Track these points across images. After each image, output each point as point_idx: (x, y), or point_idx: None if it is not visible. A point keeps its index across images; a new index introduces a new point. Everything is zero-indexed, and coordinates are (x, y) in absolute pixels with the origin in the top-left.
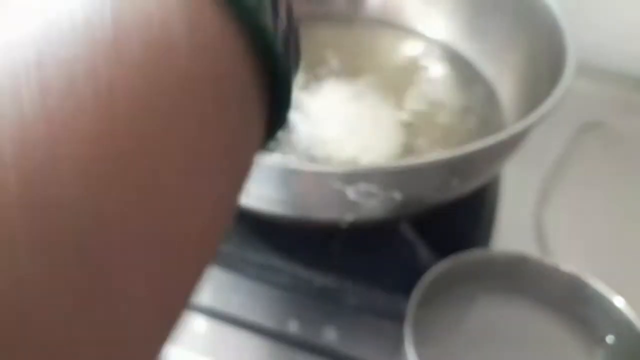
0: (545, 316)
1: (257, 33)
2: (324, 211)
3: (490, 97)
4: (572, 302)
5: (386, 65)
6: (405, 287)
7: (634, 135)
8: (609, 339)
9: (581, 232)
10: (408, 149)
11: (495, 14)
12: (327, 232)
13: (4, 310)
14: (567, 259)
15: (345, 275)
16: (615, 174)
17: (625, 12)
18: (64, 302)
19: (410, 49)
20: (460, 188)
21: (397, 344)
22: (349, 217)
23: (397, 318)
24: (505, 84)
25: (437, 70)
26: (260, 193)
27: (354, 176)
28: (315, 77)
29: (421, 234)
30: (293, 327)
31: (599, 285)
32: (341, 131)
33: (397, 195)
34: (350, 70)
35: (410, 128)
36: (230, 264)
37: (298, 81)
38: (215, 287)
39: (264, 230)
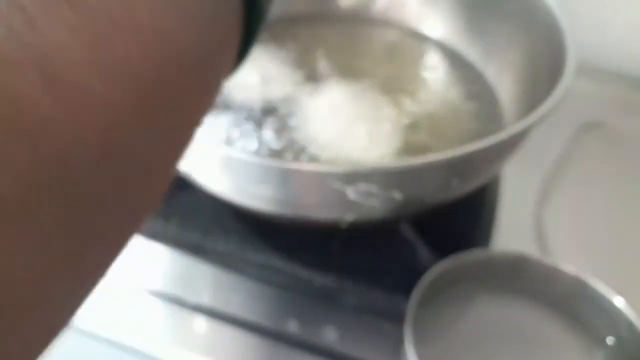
0: (545, 316)
1: None
2: (324, 211)
3: (490, 97)
4: (572, 302)
5: (386, 65)
6: (405, 287)
7: (634, 135)
8: (609, 339)
9: (581, 232)
10: (408, 149)
11: (495, 14)
12: (327, 232)
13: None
14: (567, 259)
15: (345, 275)
16: (615, 174)
17: (625, 12)
18: None
19: (410, 49)
20: (460, 188)
21: (397, 344)
22: (349, 217)
23: (397, 318)
24: (505, 84)
25: (437, 70)
26: (260, 193)
27: (354, 176)
28: (315, 77)
29: (421, 234)
30: (293, 327)
31: (599, 285)
32: (341, 131)
33: (397, 195)
34: (350, 70)
35: (410, 128)
36: (230, 264)
37: (294, 77)
38: (215, 287)
39: (264, 230)
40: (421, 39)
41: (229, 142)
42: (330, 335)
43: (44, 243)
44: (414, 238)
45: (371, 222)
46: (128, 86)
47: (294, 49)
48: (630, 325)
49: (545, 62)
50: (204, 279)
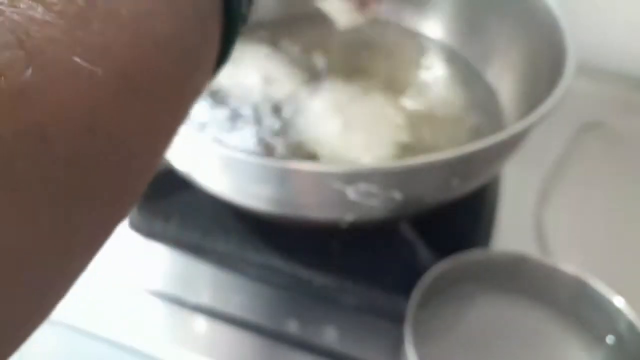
0: (545, 316)
1: None
2: (324, 211)
3: (490, 97)
4: (572, 302)
5: (386, 65)
6: (405, 287)
7: (634, 135)
8: (609, 339)
9: (581, 232)
10: (408, 149)
11: (495, 14)
12: (327, 232)
13: None
14: (567, 259)
15: (345, 275)
16: (615, 174)
17: (625, 12)
18: None
19: (410, 49)
20: (460, 188)
21: (397, 344)
22: (349, 217)
23: (397, 318)
24: (505, 84)
25: (437, 70)
26: (260, 193)
27: (354, 176)
28: (315, 77)
29: (421, 234)
30: (293, 327)
31: (599, 285)
32: (341, 131)
33: (397, 195)
34: (350, 70)
35: (410, 128)
36: (230, 264)
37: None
38: (215, 287)
39: (264, 230)
40: (421, 39)
41: (228, 142)
42: (330, 335)
43: (29, 211)
44: (414, 238)
45: (371, 222)
46: (107, 64)
47: (294, 49)
48: (630, 325)
49: (545, 62)
50: (203, 279)
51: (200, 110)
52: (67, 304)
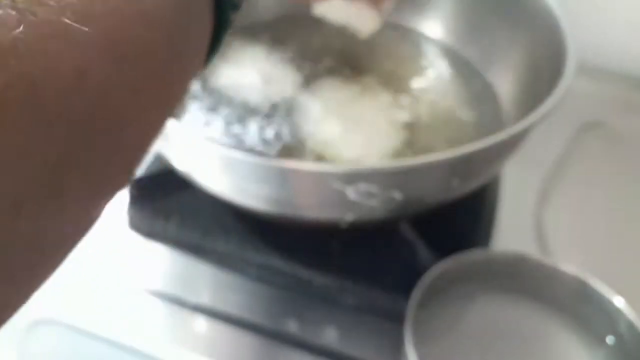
0: (545, 316)
1: None
2: (324, 211)
3: (490, 97)
4: (572, 302)
5: (386, 65)
6: (405, 287)
7: (634, 135)
8: (609, 339)
9: (581, 232)
10: (408, 149)
11: (495, 14)
12: (327, 232)
13: None
14: (567, 259)
15: (345, 275)
16: (615, 174)
17: (625, 12)
18: None
19: (410, 48)
20: (461, 188)
21: (397, 344)
22: (349, 217)
23: (397, 318)
24: (505, 84)
25: (437, 70)
26: (260, 193)
27: (354, 176)
28: (315, 77)
29: (421, 234)
30: (293, 327)
31: (599, 285)
32: (341, 131)
33: (397, 195)
34: (350, 70)
35: (410, 128)
36: (230, 264)
37: (292, 77)
38: (215, 287)
39: (264, 230)
40: (421, 39)
41: (228, 141)
42: (330, 335)
43: (21, 153)
44: (414, 238)
45: (371, 222)
46: (94, 28)
47: (294, 49)
48: (630, 325)
49: (546, 62)
50: (203, 279)
51: (200, 110)
52: (67, 303)
